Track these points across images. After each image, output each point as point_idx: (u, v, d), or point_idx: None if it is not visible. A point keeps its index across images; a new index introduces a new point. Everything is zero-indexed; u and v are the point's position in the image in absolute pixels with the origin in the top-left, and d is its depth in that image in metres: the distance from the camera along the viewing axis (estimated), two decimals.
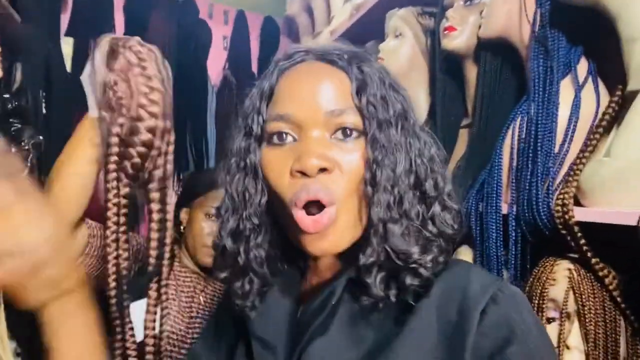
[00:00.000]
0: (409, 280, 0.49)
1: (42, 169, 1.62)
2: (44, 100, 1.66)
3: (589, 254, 0.73)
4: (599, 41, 0.85)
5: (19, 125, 1.50)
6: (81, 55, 2.03)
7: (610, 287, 0.71)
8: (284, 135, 0.52)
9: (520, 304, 0.49)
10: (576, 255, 0.77)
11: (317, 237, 0.50)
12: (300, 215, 0.49)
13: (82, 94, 2.29)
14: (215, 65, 2.42)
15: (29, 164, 1.55)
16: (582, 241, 0.73)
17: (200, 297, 1.20)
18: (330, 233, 0.50)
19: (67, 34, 2.03)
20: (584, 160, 0.77)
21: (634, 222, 0.63)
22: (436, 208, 0.52)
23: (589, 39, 0.88)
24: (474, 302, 0.47)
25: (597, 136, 0.78)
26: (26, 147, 1.53)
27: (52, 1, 1.76)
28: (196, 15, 2.37)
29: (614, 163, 0.70)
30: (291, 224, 0.51)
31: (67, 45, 1.98)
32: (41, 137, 1.59)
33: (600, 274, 0.72)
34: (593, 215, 0.71)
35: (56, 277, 0.44)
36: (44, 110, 1.65)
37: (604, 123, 0.78)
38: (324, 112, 0.51)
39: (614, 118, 0.78)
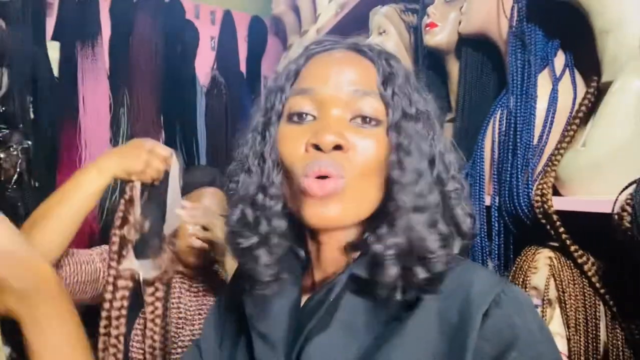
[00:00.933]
0: (421, 273, 0.48)
1: (31, 173, 1.62)
2: (31, 105, 1.66)
3: (568, 242, 0.75)
4: (576, 34, 0.87)
5: (7, 131, 1.51)
6: (68, 59, 2.03)
7: (589, 274, 0.73)
8: (304, 115, 0.53)
9: (524, 307, 0.48)
10: (556, 244, 0.79)
11: (320, 205, 0.50)
12: (308, 181, 0.50)
13: (69, 98, 2.30)
14: (204, 65, 2.42)
15: (17, 169, 1.55)
16: (561, 229, 0.75)
17: (187, 298, 1.20)
18: (334, 203, 0.49)
19: (53, 38, 2.03)
20: (561, 151, 0.79)
21: (609, 210, 0.65)
22: (456, 208, 0.52)
23: (566, 33, 0.90)
24: (477, 303, 0.46)
25: (574, 127, 0.80)
26: (14, 152, 1.53)
27: (37, 6, 1.76)
28: (183, 16, 2.37)
29: (589, 153, 0.72)
30: (298, 194, 0.51)
31: (53, 50, 1.98)
32: (29, 142, 1.59)
33: (580, 260, 0.74)
34: (570, 204, 0.73)
35: (15, 286, 0.47)
36: (31, 115, 1.65)
37: (580, 114, 0.80)
38: (346, 92, 0.51)
39: (590, 109, 0.80)
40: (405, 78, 0.54)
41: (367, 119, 0.51)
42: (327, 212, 0.50)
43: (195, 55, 2.37)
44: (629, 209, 0.61)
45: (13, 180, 1.53)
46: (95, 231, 2.02)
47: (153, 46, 2.25)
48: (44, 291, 0.49)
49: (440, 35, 1.06)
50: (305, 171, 0.50)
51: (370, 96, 0.52)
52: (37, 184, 1.68)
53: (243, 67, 2.53)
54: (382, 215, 0.51)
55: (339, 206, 0.50)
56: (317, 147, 0.50)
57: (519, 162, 0.82)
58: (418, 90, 0.56)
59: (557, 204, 0.75)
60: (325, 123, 0.51)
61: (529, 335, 0.45)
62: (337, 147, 0.49)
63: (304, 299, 0.57)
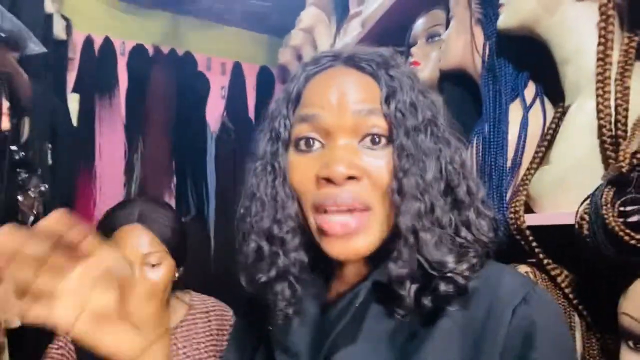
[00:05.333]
0: (443, 287, 0.48)
1: (47, 215, 1.71)
2: (50, 152, 1.77)
3: (541, 256, 0.78)
4: (546, 65, 0.94)
5: (26, 175, 1.61)
6: (86, 110, 2.18)
7: (563, 285, 0.76)
8: (311, 141, 0.52)
9: (551, 308, 0.49)
10: (534, 260, 0.82)
11: (343, 241, 0.49)
12: (326, 220, 0.49)
13: (86, 146, 2.42)
14: (214, 113, 2.55)
15: (35, 212, 1.64)
16: (534, 244, 0.79)
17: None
18: (357, 238, 0.49)
19: (73, 91, 2.18)
20: (532, 171, 0.84)
21: (572, 222, 0.69)
22: (470, 215, 0.51)
23: (536, 64, 0.96)
24: (507, 301, 0.46)
25: (543, 148, 0.85)
26: (32, 195, 1.62)
27: (59, 61, 1.91)
28: (195, 68, 2.53)
29: (553, 170, 0.77)
30: (316, 228, 0.51)
31: (73, 102, 2.13)
32: (46, 186, 1.68)
33: (553, 273, 0.77)
34: (539, 219, 0.77)
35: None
36: (49, 161, 1.76)
37: (548, 137, 0.85)
38: (351, 114, 0.50)
39: (557, 131, 0.85)
40: (409, 86, 0.53)
41: (376, 138, 0.51)
42: (349, 248, 0.50)
43: (206, 103, 2.51)
44: (587, 217, 0.65)
45: (30, 222, 1.61)
46: None
47: (167, 97, 2.39)
48: (166, 343, 0.50)
49: (422, 73, 1.14)
50: (318, 205, 0.50)
51: (374, 114, 0.51)
52: None
53: (252, 114, 2.65)
54: (398, 230, 0.50)
55: (364, 239, 0.50)
56: (329, 181, 0.49)
57: (494, 184, 0.87)
58: (424, 93, 0.54)
59: (529, 220, 0.79)
60: (333, 153, 0.50)
61: (551, 338, 0.46)
62: (351, 178, 0.49)
63: (327, 310, 0.56)
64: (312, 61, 0.57)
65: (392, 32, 1.38)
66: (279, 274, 0.53)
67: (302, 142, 0.53)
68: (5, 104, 1.33)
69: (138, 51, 2.40)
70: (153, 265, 1.06)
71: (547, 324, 0.46)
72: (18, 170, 1.56)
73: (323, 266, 0.59)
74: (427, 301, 0.48)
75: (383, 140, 0.51)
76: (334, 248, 0.50)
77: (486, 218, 0.52)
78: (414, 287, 0.48)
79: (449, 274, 0.48)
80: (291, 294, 0.54)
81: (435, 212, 0.49)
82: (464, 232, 0.50)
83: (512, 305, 0.46)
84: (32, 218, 1.63)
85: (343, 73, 0.54)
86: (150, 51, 2.42)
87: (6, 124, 1.35)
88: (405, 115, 0.51)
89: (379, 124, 0.51)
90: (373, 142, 0.51)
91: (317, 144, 0.52)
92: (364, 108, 0.51)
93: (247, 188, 0.57)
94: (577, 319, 0.76)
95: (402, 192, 0.49)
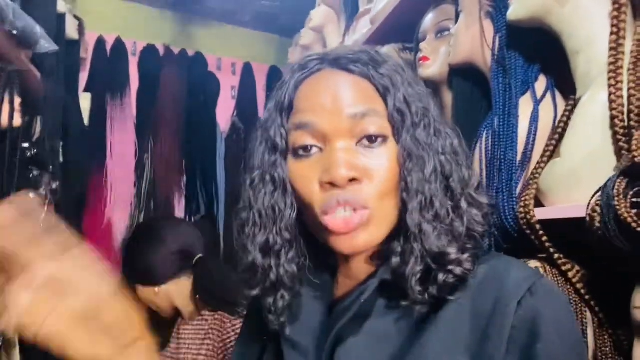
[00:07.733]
0: (441, 277, 0.49)
1: (58, 213, 1.72)
2: (61, 150, 1.79)
3: (551, 250, 0.77)
4: (557, 57, 0.92)
5: (37, 173, 1.62)
6: (98, 109, 2.20)
7: (574, 280, 0.75)
8: (309, 147, 0.52)
9: (557, 300, 0.49)
10: (544, 255, 0.81)
11: (349, 237, 0.50)
12: (330, 219, 0.50)
13: (98, 145, 2.44)
14: (224, 113, 2.55)
15: (45, 209, 1.66)
16: (544, 238, 0.77)
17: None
18: (362, 233, 0.50)
19: (85, 90, 2.20)
20: (542, 165, 0.82)
21: (583, 214, 0.67)
22: (463, 205, 0.51)
23: (548, 57, 0.95)
24: (512, 292, 0.47)
25: (554, 142, 0.83)
26: (44, 193, 1.64)
27: (70, 59, 1.93)
28: (205, 68, 2.54)
29: (564, 163, 0.75)
30: (322, 230, 0.52)
31: (85, 100, 2.15)
32: (58, 184, 1.70)
33: (564, 268, 0.75)
34: (549, 212, 0.76)
35: (115, 325, 0.44)
36: (61, 159, 1.77)
37: (559, 130, 0.83)
38: (346, 117, 0.51)
39: (567, 124, 0.83)
40: (400, 81, 0.54)
41: (373, 138, 0.52)
42: (356, 242, 0.51)
43: (216, 104, 2.52)
44: (598, 209, 0.63)
45: (41, 220, 1.62)
46: None
47: (177, 97, 2.40)
48: (143, 346, 0.46)
49: (432, 68, 1.13)
50: (325, 209, 0.51)
51: (370, 115, 0.51)
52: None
53: (261, 114, 2.65)
54: (401, 226, 0.52)
55: (366, 234, 0.51)
56: (332, 184, 0.50)
57: (503, 178, 0.86)
58: (412, 85, 0.55)
59: (539, 214, 0.78)
60: (333, 158, 0.50)
61: (555, 328, 0.46)
62: (352, 180, 0.50)
63: (334, 307, 0.57)
64: (299, 66, 0.57)
65: (401, 29, 1.37)
66: (270, 287, 0.55)
67: (300, 150, 0.53)
68: (17, 101, 1.34)
69: (149, 51, 2.42)
70: None
71: (552, 314, 0.47)
72: (29, 167, 1.58)
73: (330, 265, 0.59)
74: (432, 291, 0.49)
75: (379, 139, 0.52)
76: (339, 244, 0.51)
77: (479, 206, 0.53)
78: (415, 279, 0.49)
79: (450, 266, 0.49)
80: (282, 306, 0.55)
81: (435, 206, 0.50)
82: (457, 222, 0.51)
83: (517, 297, 0.47)
84: (42, 216, 1.65)
85: (332, 75, 0.55)
86: (161, 51, 2.44)
87: (18, 121, 1.36)
88: (403, 113, 0.52)
89: (375, 124, 0.52)
90: (370, 141, 0.52)
91: (314, 149, 0.53)
92: (358, 111, 0.52)
93: (244, 200, 0.57)
94: (589, 315, 0.74)
95: (408, 190, 0.50)
